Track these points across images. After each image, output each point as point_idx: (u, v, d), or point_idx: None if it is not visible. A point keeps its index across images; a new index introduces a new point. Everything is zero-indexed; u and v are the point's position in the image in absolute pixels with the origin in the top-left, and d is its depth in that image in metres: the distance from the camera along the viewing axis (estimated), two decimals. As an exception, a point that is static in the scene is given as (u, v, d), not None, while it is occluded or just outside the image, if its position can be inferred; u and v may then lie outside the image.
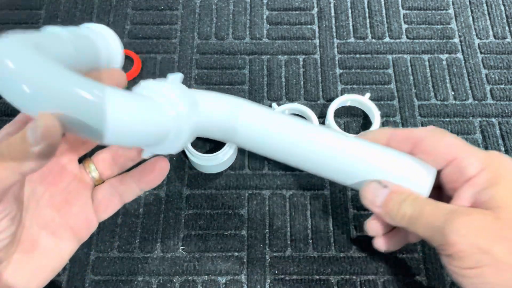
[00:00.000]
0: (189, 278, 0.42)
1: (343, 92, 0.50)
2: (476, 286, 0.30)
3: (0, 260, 0.29)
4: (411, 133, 0.34)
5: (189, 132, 0.30)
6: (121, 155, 0.35)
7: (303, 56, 0.52)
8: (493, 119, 0.49)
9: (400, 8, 0.55)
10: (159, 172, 0.34)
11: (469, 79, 0.51)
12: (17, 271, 0.30)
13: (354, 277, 0.42)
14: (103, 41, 0.34)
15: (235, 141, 0.34)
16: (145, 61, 0.52)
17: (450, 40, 0.53)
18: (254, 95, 0.50)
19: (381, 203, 0.33)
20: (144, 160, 0.35)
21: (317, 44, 0.53)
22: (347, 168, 0.34)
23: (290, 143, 0.34)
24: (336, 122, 0.48)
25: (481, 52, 0.52)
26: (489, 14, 0.55)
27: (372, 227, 0.37)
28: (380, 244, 0.38)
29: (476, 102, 0.50)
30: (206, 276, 0.42)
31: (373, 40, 0.53)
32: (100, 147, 0.35)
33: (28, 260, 0.30)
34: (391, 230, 0.38)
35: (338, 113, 0.49)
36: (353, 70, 0.51)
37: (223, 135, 0.34)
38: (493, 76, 0.51)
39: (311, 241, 0.43)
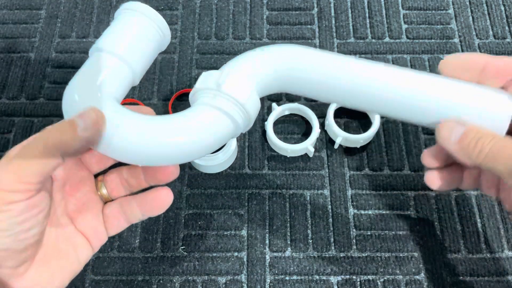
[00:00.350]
0: (189, 278, 0.42)
1: (343, 92, 0.50)
2: None
3: (26, 258, 0.29)
4: (511, 62, 0.32)
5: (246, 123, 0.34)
6: (126, 178, 0.36)
7: (303, 56, 0.52)
8: (493, 119, 0.49)
9: (400, 8, 0.55)
10: (161, 203, 0.35)
11: (469, 79, 0.51)
12: (38, 272, 0.30)
13: (354, 277, 0.42)
14: (154, 27, 0.37)
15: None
16: (145, 61, 0.52)
17: (450, 40, 0.53)
18: (254, 95, 0.50)
19: (457, 139, 0.32)
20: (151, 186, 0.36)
21: (317, 44, 0.53)
22: (422, 106, 0.32)
23: (360, 84, 0.33)
24: (336, 122, 0.48)
25: (481, 52, 0.52)
26: (489, 14, 0.55)
27: (429, 157, 0.36)
28: (432, 178, 0.36)
29: (476, 102, 0.50)
30: (206, 276, 0.42)
31: (373, 40, 0.53)
32: (112, 166, 0.36)
33: (49, 262, 0.31)
34: (447, 166, 0.36)
35: (338, 113, 0.49)
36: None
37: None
38: (493, 76, 0.51)
39: (311, 241, 0.43)
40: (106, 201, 0.36)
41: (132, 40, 0.33)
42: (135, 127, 0.31)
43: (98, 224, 0.35)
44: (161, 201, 0.35)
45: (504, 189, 0.34)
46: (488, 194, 0.36)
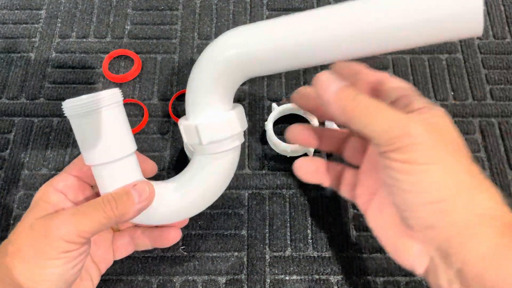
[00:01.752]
0: (189, 278, 0.42)
1: (343, 92, 0.50)
2: (416, 185, 0.29)
3: None
4: (376, 74, 0.35)
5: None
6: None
7: (303, 56, 0.52)
8: (493, 119, 0.49)
9: (400, 8, 0.55)
10: (170, 241, 0.39)
11: (468, 79, 0.51)
12: None
13: (354, 277, 0.42)
14: None
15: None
16: (145, 61, 0.52)
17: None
18: (254, 95, 0.50)
19: (337, 89, 0.32)
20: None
21: (317, 44, 0.53)
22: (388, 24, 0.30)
23: (315, 30, 0.32)
24: (336, 122, 0.48)
25: (481, 52, 0.52)
26: (489, 14, 0.55)
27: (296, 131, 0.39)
28: (300, 165, 0.39)
29: (476, 102, 0.50)
30: (206, 276, 0.42)
31: (373, 40, 0.53)
32: None
33: None
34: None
35: (338, 113, 0.49)
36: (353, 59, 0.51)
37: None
38: (492, 76, 0.51)
39: (311, 241, 0.43)
40: (115, 230, 0.41)
41: (115, 136, 0.34)
42: (174, 195, 0.36)
43: (108, 253, 0.39)
44: (170, 239, 0.39)
45: (364, 173, 0.35)
46: (345, 195, 0.38)
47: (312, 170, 0.39)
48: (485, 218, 0.28)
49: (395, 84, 0.34)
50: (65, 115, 0.34)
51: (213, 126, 0.34)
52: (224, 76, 0.34)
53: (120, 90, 0.35)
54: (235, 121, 0.35)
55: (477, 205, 0.28)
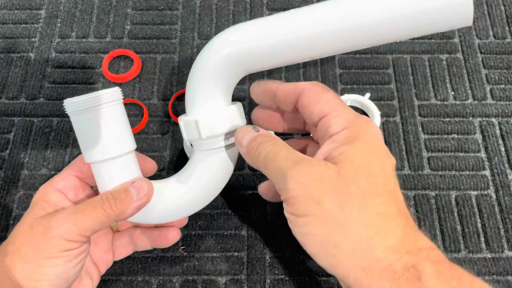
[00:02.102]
0: (189, 278, 0.42)
1: (343, 92, 0.50)
2: (304, 236, 0.30)
3: None
4: (295, 86, 0.35)
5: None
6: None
7: (303, 56, 0.52)
8: (493, 119, 0.49)
9: (400, 8, 0.55)
10: (170, 241, 0.39)
11: (469, 79, 0.51)
12: None
13: (354, 277, 0.42)
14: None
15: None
16: (145, 61, 0.52)
17: (450, 40, 0.53)
18: (254, 95, 0.50)
19: (247, 142, 0.33)
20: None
21: (317, 44, 0.53)
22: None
23: (311, 25, 0.33)
24: (336, 122, 0.48)
25: (481, 52, 0.52)
26: (489, 14, 0.55)
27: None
28: (261, 189, 0.41)
29: (476, 102, 0.50)
30: (206, 276, 0.42)
31: (373, 40, 0.53)
32: None
33: None
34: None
35: (338, 113, 0.49)
36: (353, 70, 0.51)
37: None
38: (493, 76, 0.51)
39: (311, 241, 0.43)
40: (115, 231, 0.41)
41: (114, 133, 0.35)
42: (173, 192, 0.36)
43: (108, 254, 0.39)
44: (169, 238, 0.39)
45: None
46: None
47: (265, 117, 0.39)
48: (372, 271, 0.28)
49: (313, 100, 0.33)
50: (66, 112, 0.34)
51: (213, 120, 0.35)
52: (224, 72, 0.35)
53: (120, 89, 0.35)
54: (234, 116, 0.35)
55: (362, 258, 0.28)
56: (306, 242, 0.30)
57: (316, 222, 0.29)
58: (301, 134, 0.44)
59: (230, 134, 0.36)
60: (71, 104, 0.33)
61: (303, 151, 0.38)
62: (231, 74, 0.35)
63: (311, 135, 0.39)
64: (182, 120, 0.36)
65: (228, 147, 0.36)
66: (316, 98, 0.33)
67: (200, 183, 0.36)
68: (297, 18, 0.33)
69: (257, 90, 0.37)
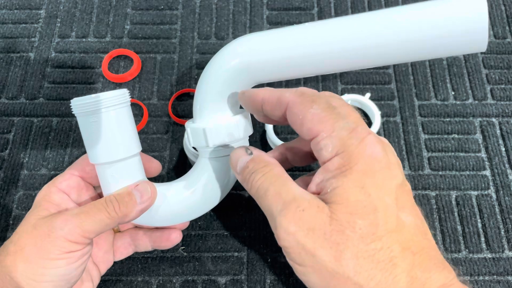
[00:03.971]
0: (189, 278, 0.42)
1: (343, 92, 0.50)
2: (306, 283, 0.29)
3: None
4: (278, 100, 0.31)
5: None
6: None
7: (303, 56, 0.52)
8: (494, 119, 0.49)
9: (400, 8, 0.55)
10: (171, 242, 0.39)
11: (469, 79, 0.51)
12: None
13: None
14: None
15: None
16: (145, 61, 0.52)
17: (450, 40, 0.53)
18: (254, 95, 0.50)
19: (241, 169, 0.32)
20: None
21: (317, 44, 0.53)
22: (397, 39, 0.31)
23: (325, 42, 0.32)
24: (336, 122, 0.48)
25: (481, 52, 0.52)
26: (489, 14, 0.55)
27: None
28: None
29: (477, 102, 0.50)
30: (206, 276, 0.42)
31: (373, 40, 0.53)
32: None
33: None
34: None
35: (338, 113, 0.49)
36: (353, 70, 0.51)
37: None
38: (493, 76, 0.51)
39: (311, 241, 0.43)
40: (116, 231, 0.41)
41: (120, 136, 0.34)
42: (177, 196, 0.36)
43: (109, 254, 0.39)
44: (171, 240, 0.39)
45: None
46: None
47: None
48: None
49: (299, 118, 0.30)
50: (72, 112, 0.34)
51: (221, 129, 0.35)
52: (233, 83, 0.35)
53: (128, 91, 0.35)
54: (241, 126, 0.36)
55: None
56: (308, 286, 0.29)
57: (314, 273, 0.27)
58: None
59: (238, 142, 0.36)
60: (78, 105, 0.33)
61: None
62: (240, 84, 0.35)
63: None
64: (189, 127, 0.37)
65: None
66: (302, 114, 0.29)
67: (204, 189, 0.36)
68: (307, 34, 0.33)
69: (244, 102, 0.34)
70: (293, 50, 0.33)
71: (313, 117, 0.29)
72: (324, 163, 0.28)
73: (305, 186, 0.30)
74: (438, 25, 0.30)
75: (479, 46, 0.30)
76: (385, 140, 0.31)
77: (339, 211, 0.27)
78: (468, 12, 0.29)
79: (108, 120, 0.33)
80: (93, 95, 0.33)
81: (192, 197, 0.36)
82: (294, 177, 0.31)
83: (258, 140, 0.48)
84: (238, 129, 0.35)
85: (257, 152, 0.32)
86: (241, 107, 0.37)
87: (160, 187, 0.36)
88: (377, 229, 0.26)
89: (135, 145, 0.35)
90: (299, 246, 0.27)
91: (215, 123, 0.35)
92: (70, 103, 0.34)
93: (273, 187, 0.29)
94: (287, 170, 0.32)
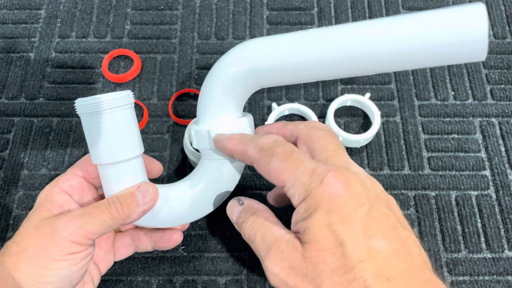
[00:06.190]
0: (189, 278, 0.42)
1: (343, 92, 0.50)
2: None
3: None
4: (245, 153, 0.33)
5: None
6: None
7: (303, 56, 0.52)
8: (493, 119, 0.49)
9: (400, 8, 0.55)
10: (172, 243, 0.39)
11: (469, 79, 0.51)
12: None
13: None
14: None
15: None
16: (145, 61, 0.52)
17: (450, 40, 0.53)
18: (254, 95, 0.50)
19: (236, 219, 0.35)
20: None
21: (317, 44, 0.53)
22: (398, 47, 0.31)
23: (326, 49, 0.33)
24: (336, 122, 0.48)
25: (481, 52, 0.52)
26: (489, 14, 0.55)
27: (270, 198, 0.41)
28: (269, 198, 0.41)
29: (476, 102, 0.50)
30: (206, 276, 0.42)
31: (373, 40, 0.53)
32: None
33: None
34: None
35: (338, 113, 0.49)
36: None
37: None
38: (493, 76, 0.51)
39: (311, 241, 0.43)
40: (116, 231, 0.41)
41: (123, 137, 0.35)
42: (179, 198, 0.36)
43: (109, 254, 0.39)
44: (172, 241, 0.39)
45: None
46: None
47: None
48: None
49: (265, 173, 0.32)
50: (76, 112, 0.34)
51: (224, 131, 0.35)
52: (236, 87, 0.35)
53: (132, 92, 0.35)
54: (245, 128, 0.36)
55: None
56: None
57: None
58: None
59: None
60: (82, 106, 0.33)
61: None
62: (244, 88, 0.36)
63: None
64: (193, 129, 0.37)
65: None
66: (265, 169, 0.31)
67: (206, 191, 0.37)
68: (312, 40, 0.33)
69: (217, 149, 0.35)
70: (298, 56, 0.33)
71: (275, 170, 0.31)
72: (296, 207, 0.30)
73: None
74: (438, 36, 0.30)
75: (478, 56, 0.30)
76: (352, 167, 0.31)
77: (311, 249, 0.28)
78: (467, 24, 0.30)
79: (112, 121, 0.33)
80: (97, 96, 0.33)
81: (194, 199, 0.36)
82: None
83: (258, 140, 0.48)
84: (242, 131, 0.36)
85: (247, 201, 0.35)
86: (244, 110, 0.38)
87: (162, 189, 0.36)
88: (347, 261, 0.27)
89: (138, 147, 0.35)
90: (284, 284, 0.29)
91: (218, 126, 0.35)
92: (70, 103, 0.34)
93: (259, 233, 0.32)
94: None
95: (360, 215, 0.28)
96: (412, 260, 0.28)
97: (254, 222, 0.33)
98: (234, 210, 0.35)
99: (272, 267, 0.29)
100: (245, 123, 0.36)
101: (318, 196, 0.29)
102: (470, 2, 0.55)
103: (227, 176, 0.37)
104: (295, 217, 0.30)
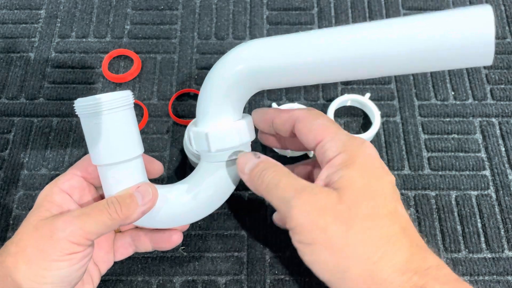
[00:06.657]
0: (189, 278, 0.42)
1: (343, 92, 0.50)
2: (314, 264, 0.31)
3: None
4: (290, 115, 0.36)
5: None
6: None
7: (303, 56, 0.52)
8: (493, 119, 0.49)
9: (400, 8, 0.55)
10: (172, 243, 0.39)
11: (469, 79, 0.51)
12: None
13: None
14: None
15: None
16: (145, 61, 0.52)
17: (450, 40, 0.53)
18: (254, 95, 0.50)
19: (249, 170, 0.34)
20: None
21: (317, 44, 0.53)
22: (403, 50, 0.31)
23: (327, 51, 0.32)
24: (336, 122, 0.48)
25: (481, 52, 0.52)
26: (489, 14, 0.55)
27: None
28: (275, 219, 0.42)
29: (476, 102, 0.50)
30: (206, 276, 0.42)
31: (373, 40, 0.53)
32: None
33: None
34: None
35: (338, 113, 0.49)
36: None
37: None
38: (493, 76, 0.51)
39: (311, 241, 0.43)
40: (116, 231, 0.41)
41: (123, 138, 0.35)
42: (178, 199, 0.36)
43: (109, 254, 0.40)
44: (172, 241, 0.39)
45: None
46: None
47: (269, 141, 0.40)
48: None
49: (306, 127, 0.34)
50: (76, 113, 0.34)
51: (223, 134, 0.35)
52: (235, 88, 0.35)
53: (132, 93, 0.35)
54: (244, 131, 0.36)
55: (371, 281, 0.29)
56: (316, 269, 0.31)
57: (324, 249, 0.30)
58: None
59: (240, 147, 0.36)
60: (82, 106, 0.33)
61: (310, 174, 0.39)
62: (244, 89, 0.35)
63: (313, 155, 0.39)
64: (192, 131, 0.37)
65: (236, 160, 0.36)
66: (309, 125, 0.34)
67: (205, 193, 0.36)
68: (312, 42, 0.33)
69: (256, 119, 0.38)
70: (299, 58, 0.33)
71: (319, 126, 0.34)
72: (329, 161, 0.32)
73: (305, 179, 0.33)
74: (444, 38, 0.30)
75: (485, 60, 0.30)
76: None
77: (347, 194, 0.30)
78: (474, 26, 0.29)
79: (112, 121, 0.33)
80: (97, 96, 0.33)
81: (193, 200, 0.36)
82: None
83: (258, 140, 0.48)
84: (241, 134, 0.35)
85: (265, 156, 0.35)
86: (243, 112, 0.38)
87: (162, 189, 0.36)
88: (379, 210, 0.30)
89: (138, 147, 0.35)
90: (312, 223, 0.30)
91: (217, 128, 0.35)
92: (70, 103, 0.34)
93: (285, 179, 0.32)
94: None
95: (389, 182, 0.32)
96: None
97: (277, 171, 0.33)
98: (249, 161, 0.34)
99: (303, 205, 0.30)
100: (244, 126, 0.36)
101: (358, 152, 0.32)
102: (470, 2, 0.55)
103: (227, 179, 0.37)
104: (327, 170, 0.32)
